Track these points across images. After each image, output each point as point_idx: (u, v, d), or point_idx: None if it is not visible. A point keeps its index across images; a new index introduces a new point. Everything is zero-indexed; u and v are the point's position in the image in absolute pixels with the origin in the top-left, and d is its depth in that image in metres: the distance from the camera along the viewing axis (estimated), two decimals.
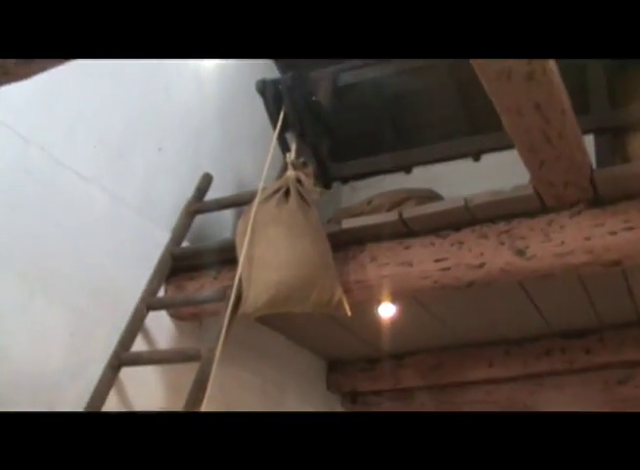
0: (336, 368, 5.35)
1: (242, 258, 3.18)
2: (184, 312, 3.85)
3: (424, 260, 3.24)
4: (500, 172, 3.82)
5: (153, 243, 3.84)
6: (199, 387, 3.03)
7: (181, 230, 3.93)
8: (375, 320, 4.26)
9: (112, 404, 3.44)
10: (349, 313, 3.33)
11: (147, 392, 3.68)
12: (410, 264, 3.26)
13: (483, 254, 3.12)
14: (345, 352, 5.15)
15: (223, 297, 3.27)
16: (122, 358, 3.47)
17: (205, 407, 2.93)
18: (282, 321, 4.60)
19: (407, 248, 3.30)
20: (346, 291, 3.31)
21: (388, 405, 5.29)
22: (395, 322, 4.32)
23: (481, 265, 3.12)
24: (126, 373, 3.55)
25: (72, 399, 3.31)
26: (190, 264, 3.84)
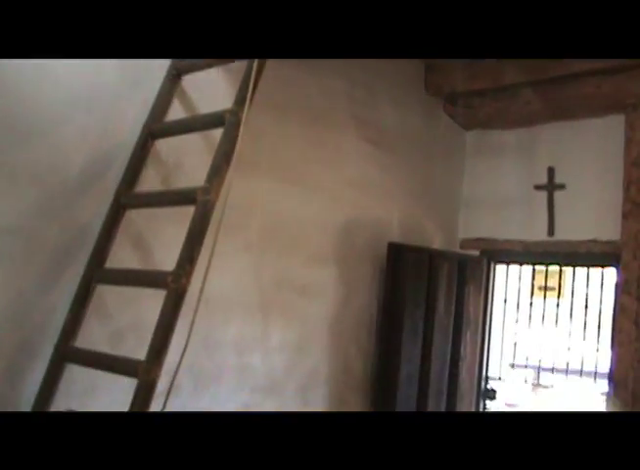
0: (434, 69, 5.04)
1: None
2: None
3: None
4: None
5: None
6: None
7: None
8: None
9: (175, 113, 3.38)
10: None
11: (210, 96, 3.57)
12: None
13: None
14: None
15: None
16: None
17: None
18: None
19: None
20: None
21: (490, 106, 5.02)
22: None
23: None
24: (187, 81, 3.45)
25: (131, 114, 3.27)
26: None
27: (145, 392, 2.62)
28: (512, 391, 5.53)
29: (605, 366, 4.77)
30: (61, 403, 3.19)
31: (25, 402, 3.08)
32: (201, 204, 2.75)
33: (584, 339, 5.12)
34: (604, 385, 4.75)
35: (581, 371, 5.23)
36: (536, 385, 5.57)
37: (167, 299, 2.65)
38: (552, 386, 5.39)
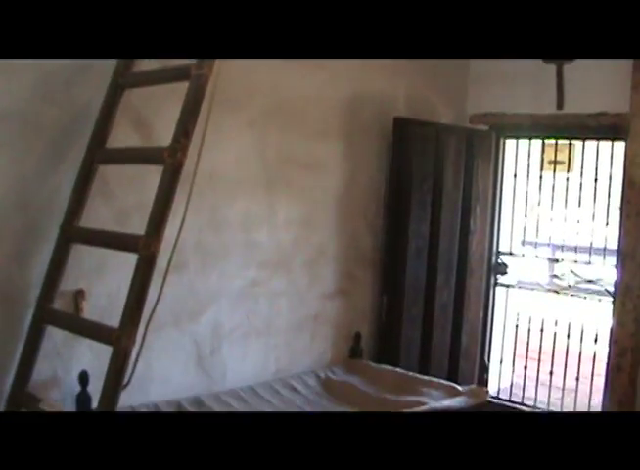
0: None
1: None
2: None
3: None
4: None
5: None
6: None
7: None
8: None
9: None
10: None
11: None
12: None
13: None
14: None
15: None
16: None
17: None
18: None
19: None
20: None
21: None
22: None
23: None
24: None
25: None
26: None
27: (145, 265, 2.68)
28: (523, 266, 5.57)
29: (614, 242, 4.78)
30: (69, 283, 3.30)
31: (35, 284, 3.18)
32: (194, 78, 2.74)
33: (594, 213, 5.10)
34: (612, 260, 4.78)
35: (590, 247, 5.23)
36: (550, 260, 5.59)
37: (164, 173, 2.68)
38: (562, 260, 5.41)
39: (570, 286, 5.30)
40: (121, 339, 2.66)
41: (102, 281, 3.40)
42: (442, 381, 4.27)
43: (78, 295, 3.38)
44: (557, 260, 5.41)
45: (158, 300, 2.89)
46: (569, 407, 5.12)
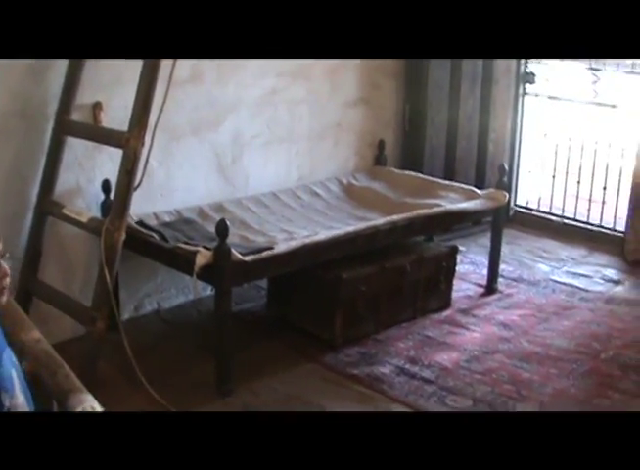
0: None
1: None
2: None
3: None
4: None
5: None
6: None
7: None
8: None
9: None
10: None
11: None
12: None
13: None
14: None
15: None
16: None
17: None
18: None
19: None
20: None
21: None
22: None
23: None
24: None
25: None
26: None
27: (150, 70, 2.74)
28: (557, 78, 5.32)
29: None
30: (87, 96, 3.34)
31: (53, 98, 3.27)
32: None
33: None
34: None
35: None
36: (590, 68, 5.31)
37: None
38: (602, 69, 5.13)
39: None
40: (130, 141, 2.72)
41: (119, 93, 3.41)
42: (462, 185, 4.26)
43: (96, 107, 3.43)
44: (597, 69, 5.15)
45: (164, 102, 2.91)
46: (595, 219, 5.08)
